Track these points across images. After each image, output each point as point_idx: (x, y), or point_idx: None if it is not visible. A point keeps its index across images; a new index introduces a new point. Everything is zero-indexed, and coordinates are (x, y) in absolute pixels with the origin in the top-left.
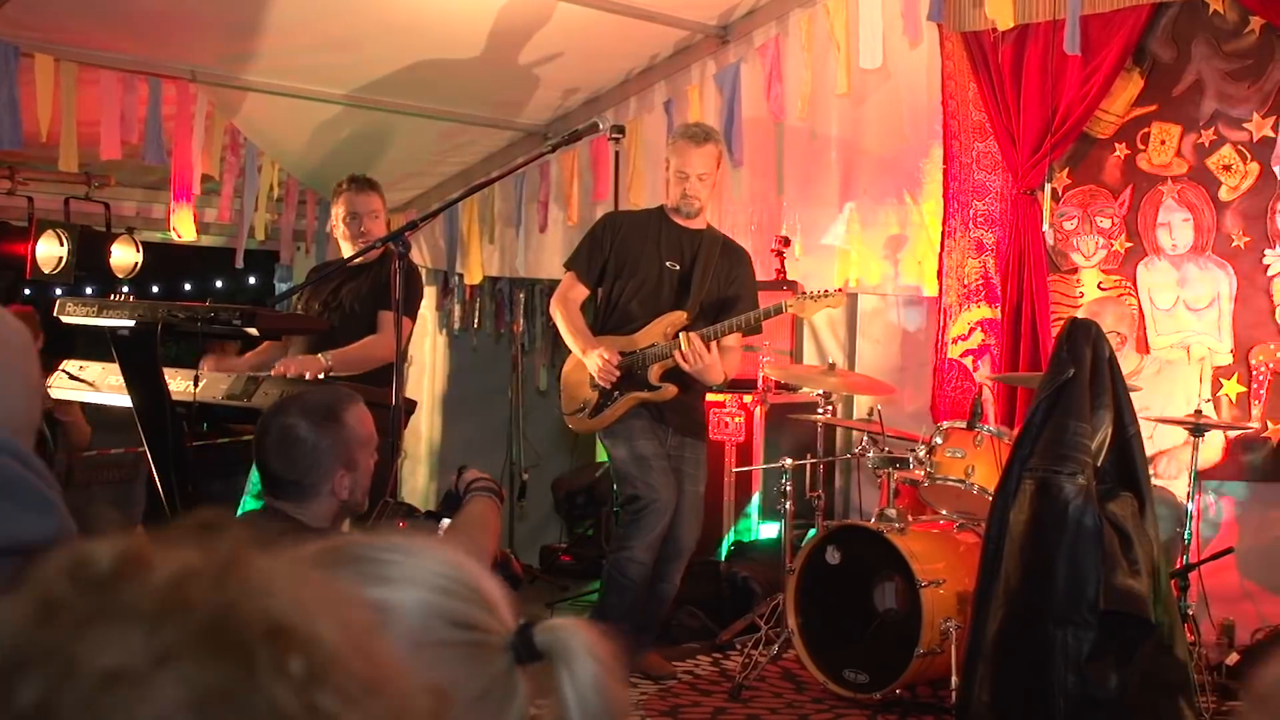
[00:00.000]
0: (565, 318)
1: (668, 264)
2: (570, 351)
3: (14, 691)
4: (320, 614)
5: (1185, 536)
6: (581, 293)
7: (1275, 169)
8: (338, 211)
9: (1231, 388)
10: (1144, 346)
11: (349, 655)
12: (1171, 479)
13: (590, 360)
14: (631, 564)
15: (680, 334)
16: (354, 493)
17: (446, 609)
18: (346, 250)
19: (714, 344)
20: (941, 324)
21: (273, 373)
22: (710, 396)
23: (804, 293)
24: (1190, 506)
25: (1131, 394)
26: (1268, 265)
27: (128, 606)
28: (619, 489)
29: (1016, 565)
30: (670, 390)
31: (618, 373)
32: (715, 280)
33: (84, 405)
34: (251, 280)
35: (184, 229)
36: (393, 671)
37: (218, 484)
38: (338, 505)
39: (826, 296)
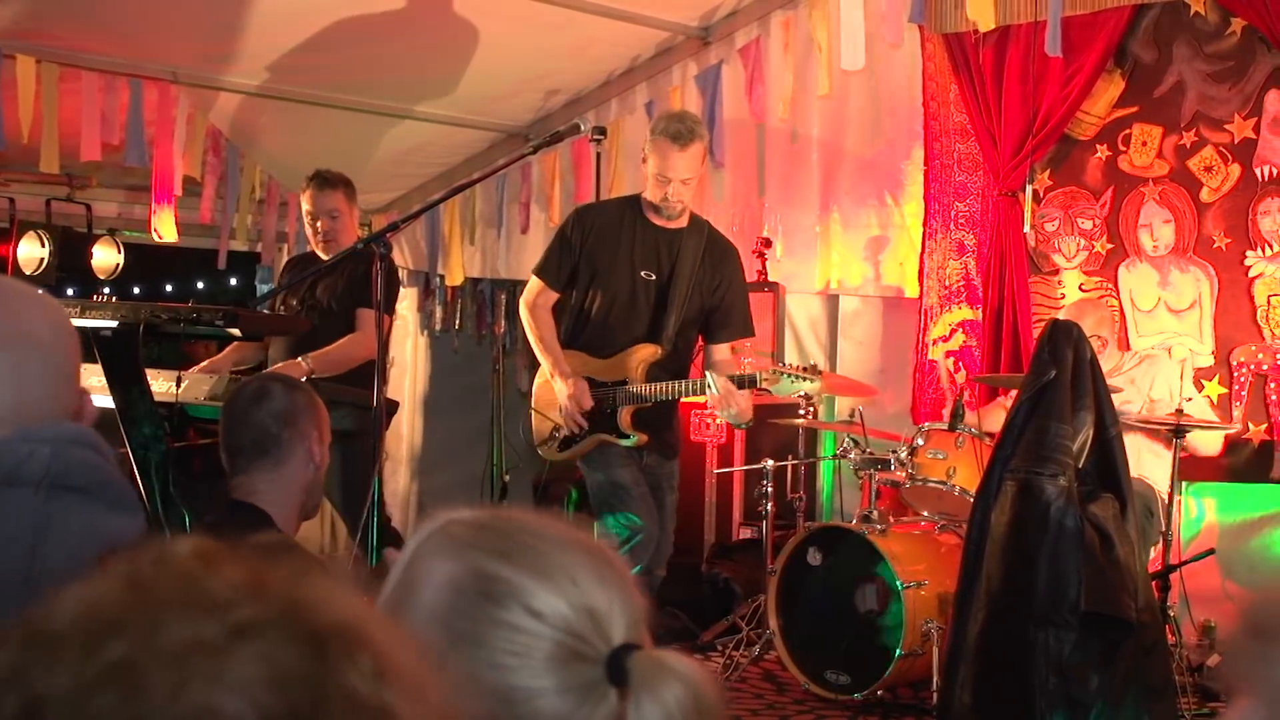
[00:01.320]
0: (535, 330)
1: (643, 274)
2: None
3: (104, 647)
4: (377, 623)
5: (1166, 537)
6: (551, 298)
7: (1256, 170)
8: (303, 209)
9: (1213, 389)
10: (1125, 347)
11: (406, 661)
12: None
13: (559, 389)
14: None
15: (709, 375)
16: (317, 474)
17: (569, 623)
18: (315, 247)
19: (747, 391)
20: (923, 325)
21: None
22: (690, 398)
23: (781, 369)
24: (1170, 506)
25: (1112, 394)
26: (1249, 267)
27: (207, 590)
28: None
29: (998, 566)
30: (641, 439)
31: (584, 423)
32: (697, 290)
33: None
34: (233, 281)
35: (165, 230)
36: (439, 683)
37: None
38: (307, 481)
39: (804, 379)
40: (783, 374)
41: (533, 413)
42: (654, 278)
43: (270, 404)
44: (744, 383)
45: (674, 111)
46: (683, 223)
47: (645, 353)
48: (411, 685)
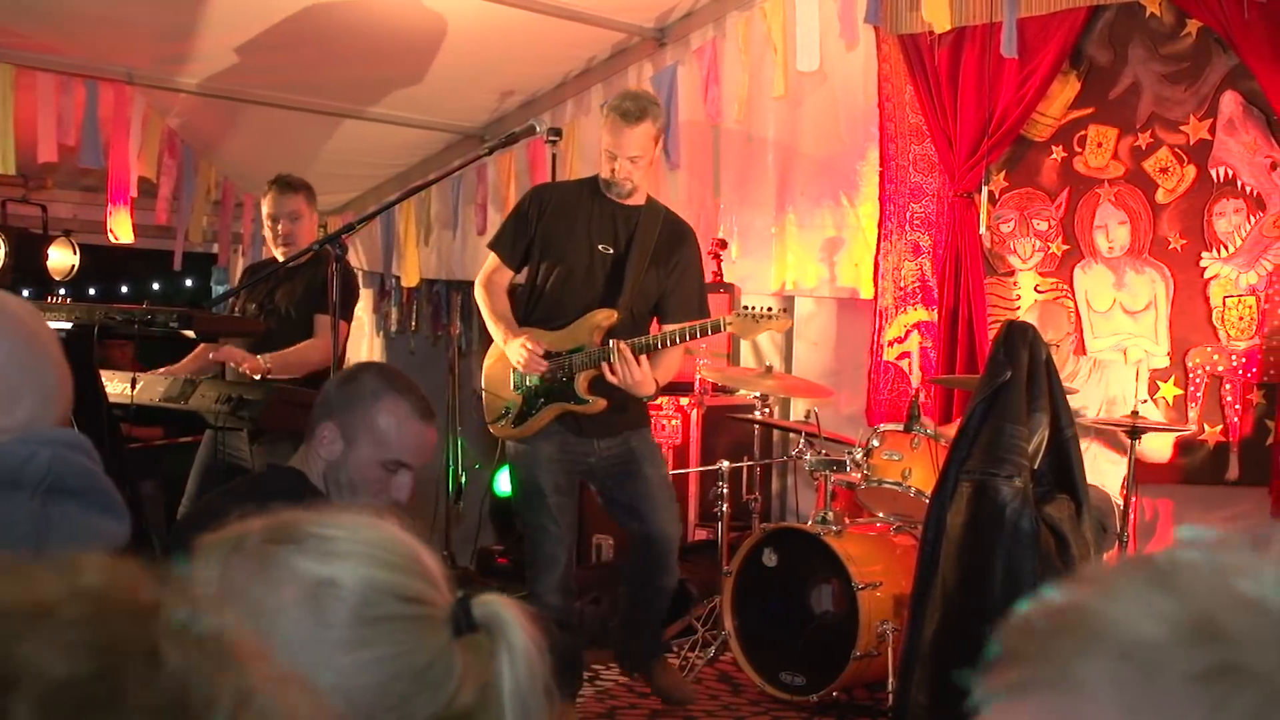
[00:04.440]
0: (488, 302)
1: (599, 248)
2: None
3: None
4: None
5: (1121, 539)
6: (506, 275)
7: (1212, 172)
8: (264, 212)
9: (1168, 390)
10: (1081, 349)
11: (233, 641)
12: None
13: (512, 350)
14: (544, 606)
15: (611, 341)
16: (336, 466)
17: (391, 583)
18: (275, 252)
19: (644, 356)
20: (878, 326)
21: (211, 357)
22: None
23: (746, 310)
24: (1126, 509)
25: (1068, 395)
26: (1204, 268)
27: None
28: (517, 512)
29: (953, 568)
30: (599, 404)
31: (544, 364)
32: (654, 266)
33: None
34: (189, 282)
35: (121, 231)
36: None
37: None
38: (321, 466)
39: (770, 318)
40: (747, 315)
41: (484, 393)
42: (611, 251)
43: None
44: (708, 329)
45: (630, 90)
46: (639, 200)
47: (600, 316)
48: (228, 659)
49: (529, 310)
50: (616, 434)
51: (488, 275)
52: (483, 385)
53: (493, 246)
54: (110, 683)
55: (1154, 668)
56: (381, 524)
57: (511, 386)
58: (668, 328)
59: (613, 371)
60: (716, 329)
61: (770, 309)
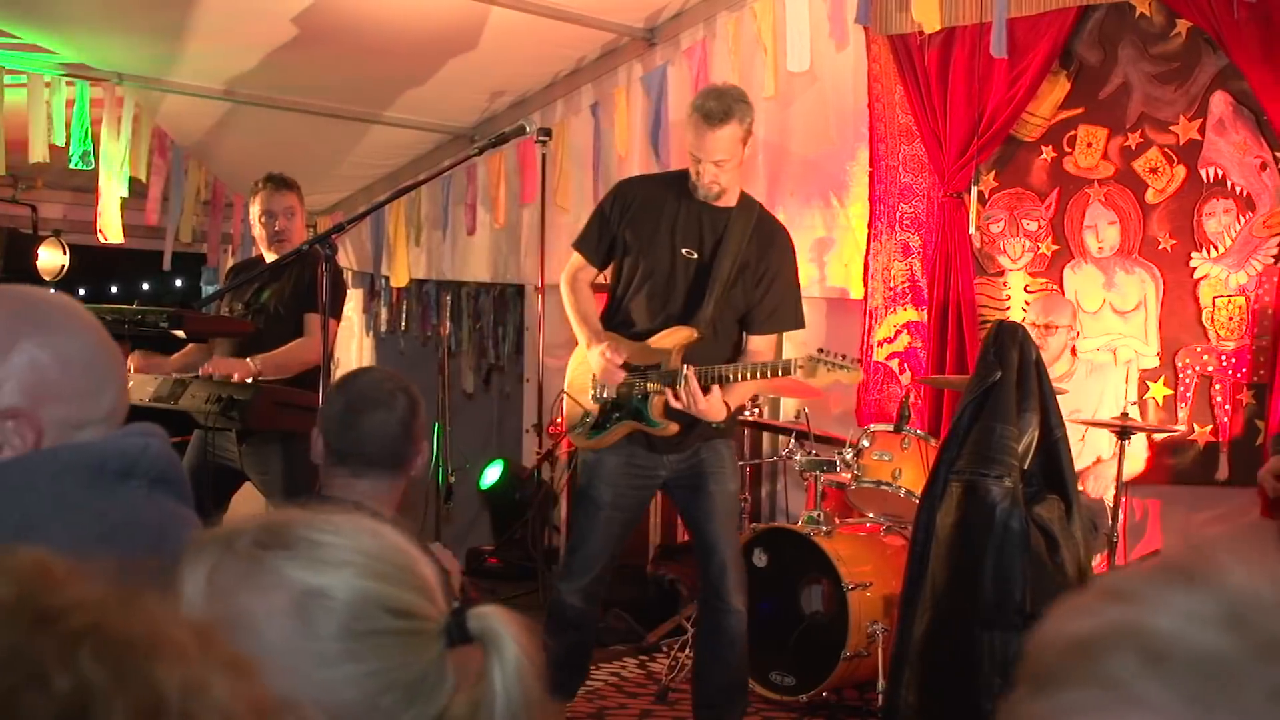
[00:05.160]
0: (573, 301)
1: (683, 252)
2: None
3: None
4: (124, 607)
5: (1111, 539)
6: (590, 273)
7: (1202, 172)
8: (254, 211)
9: (1158, 390)
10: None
11: (154, 648)
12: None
13: (593, 356)
14: (562, 605)
15: (684, 368)
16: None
17: (383, 596)
18: (264, 250)
19: (715, 386)
20: (868, 327)
21: (200, 372)
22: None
23: (820, 355)
24: (1115, 509)
25: (1059, 397)
26: (1194, 268)
27: None
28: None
29: (943, 568)
30: (670, 428)
31: (622, 374)
32: (741, 275)
33: None
34: (178, 283)
35: (110, 232)
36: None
37: None
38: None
39: (842, 367)
40: (819, 361)
41: (565, 398)
42: (695, 256)
43: (413, 418)
44: (778, 370)
45: (716, 87)
46: (730, 201)
47: (681, 335)
48: (140, 664)
49: (611, 313)
50: (687, 448)
51: (572, 273)
52: (565, 389)
53: (576, 245)
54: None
55: (1232, 684)
56: (377, 529)
57: (590, 396)
58: (752, 341)
59: (677, 398)
60: (787, 370)
61: (844, 356)
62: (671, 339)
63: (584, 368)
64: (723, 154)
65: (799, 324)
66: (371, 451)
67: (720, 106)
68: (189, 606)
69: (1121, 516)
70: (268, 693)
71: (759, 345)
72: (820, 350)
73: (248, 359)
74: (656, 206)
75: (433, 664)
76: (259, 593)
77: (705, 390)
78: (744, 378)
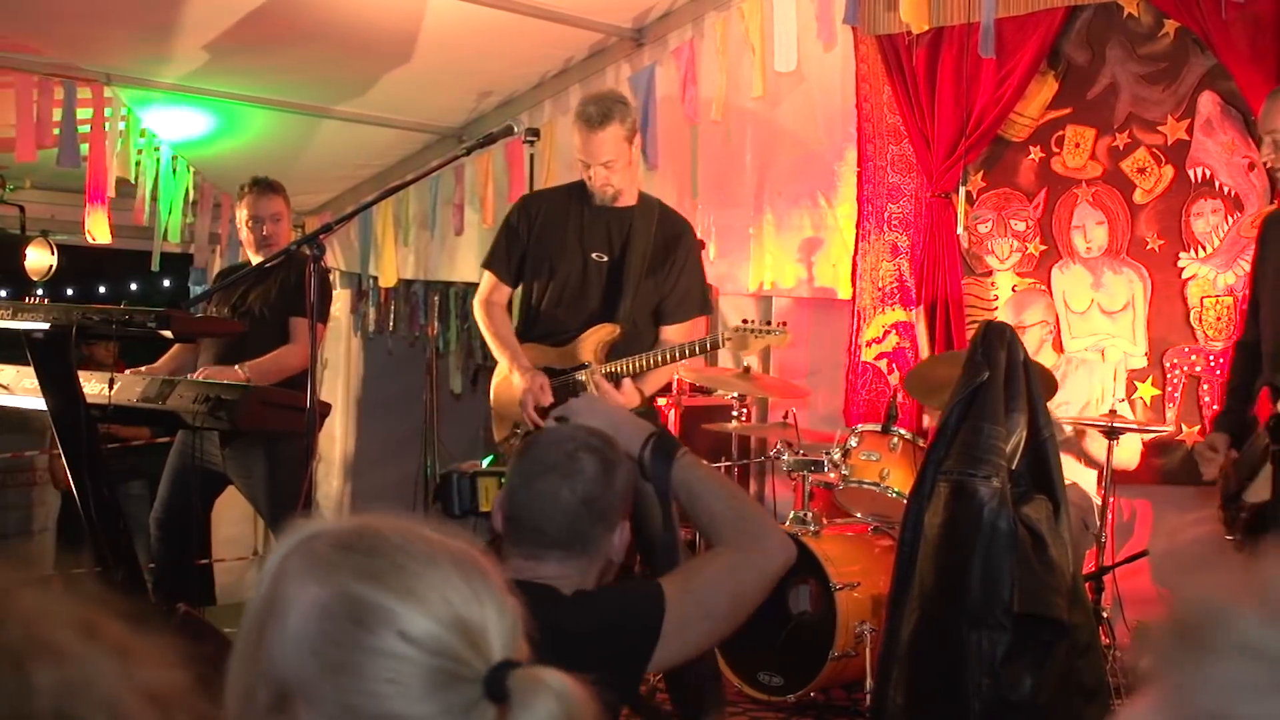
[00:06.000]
0: (490, 327)
1: (593, 256)
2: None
3: None
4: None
5: (1100, 539)
6: (504, 293)
7: (1190, 172)
8: (241, 215)
9: (1146, 391)
10: (1058, 348)
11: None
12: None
13: (516, 384)
14: None
15: (586, 370)
16: (614, 556)
17: (445, 645)
18: (250, 254)
19: (627, 379)
20: (855, 327)
21: (189, 379)
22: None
23: (745, 325)
24: (1104, 508)
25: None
26: (1182, 268)
27: None
28: None
29: (931, 568)
30: None
31: (549, 397)
32: (652, 270)
33: None
34: (166, 283)
35: (98, 232)
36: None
37: (135, 486)
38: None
39: (770, 332)
40: (747, 331)
41: (492, 412)
42: (605, 258)
43: (581, 480)
44: (707, 345)
45: (595, 93)
46: (630, 201)
47: (602, 333)
48: (13, 673)
49: (529, 327)
50: None
51: (485, 296)
52: (490, 404)
53: (486, 266)
54: None
55: None
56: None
57: (519, 404)
58: (664, 331)
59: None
60: (715, 345)
61: (769, 322)
62: (594, 337)
63: (507, 382)
64: (609, 155)
65: (705, 310)
66: (546, 529)
67: (600, 110)
68: (262, 579)
69: (1109, 516)
70: (167, 679)
71: (670, 335)
72: (745, 320)
73: (235, 367)
74: (561, 215)
75: (457, 708)
76: (300, 585)
77: (615, 383)
78: (665, 362)
